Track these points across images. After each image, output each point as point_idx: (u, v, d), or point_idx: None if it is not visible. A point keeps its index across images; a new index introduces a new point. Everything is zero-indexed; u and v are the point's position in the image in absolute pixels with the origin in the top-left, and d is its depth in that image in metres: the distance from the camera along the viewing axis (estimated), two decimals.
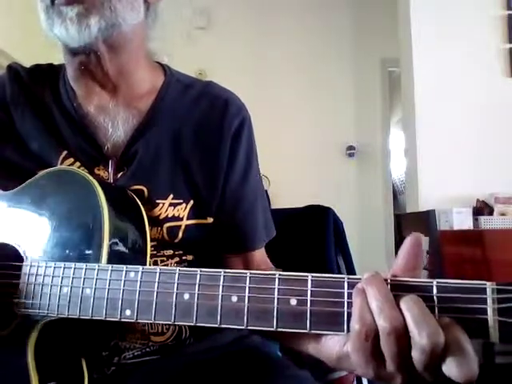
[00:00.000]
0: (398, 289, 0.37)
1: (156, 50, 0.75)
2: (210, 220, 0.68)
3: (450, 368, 0.34)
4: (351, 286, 0.38)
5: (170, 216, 0.65)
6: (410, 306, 0.35)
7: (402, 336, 0.35)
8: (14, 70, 0.71)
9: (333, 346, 0.41)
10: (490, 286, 0.35)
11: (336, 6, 3.73)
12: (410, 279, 0.37)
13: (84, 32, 0.59)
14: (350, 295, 0.38)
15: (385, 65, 3.75)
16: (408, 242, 0.39)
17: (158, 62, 0.76)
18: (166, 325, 0.64)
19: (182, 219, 0.65)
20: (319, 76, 3.69)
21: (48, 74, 0.72)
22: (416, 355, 0.35)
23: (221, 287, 0.42)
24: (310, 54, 3.70)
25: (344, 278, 0.39)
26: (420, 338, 0.34)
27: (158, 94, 0.70)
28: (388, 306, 0.36)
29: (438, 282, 0.36)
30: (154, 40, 0.74)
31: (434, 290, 0.36)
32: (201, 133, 0.69)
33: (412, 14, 2.62)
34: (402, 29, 2.78)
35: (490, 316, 0.34)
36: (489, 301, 0.34)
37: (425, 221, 2.02)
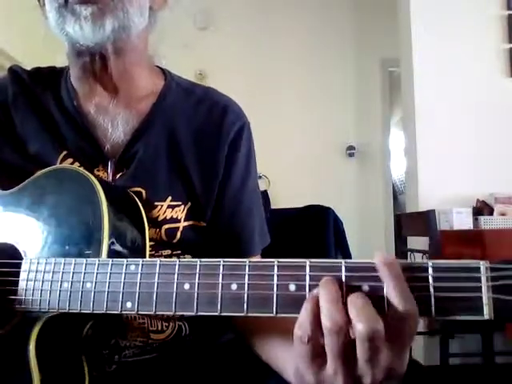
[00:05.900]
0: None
1: (154, 53, 0.76)
2: (204, 224, 0.68)
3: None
4: (349, 269, 0.39)
5: (168, 218, 0.65)
6: (352, 301, 0.37)
7: (345, 334, 0.37)
8: (15, 72, 0.72)
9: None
10: (483, 264, 0.36)
11: (336, 6, 3.73)
12: (405, 261, 0.38)
13: (98, 31, 0.60)
14: (347, 279, 0.39)
15: (385, 65, 3.75)
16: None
17: (158, 67, 0.76)
18: (165, 322, 0.64)
19: (179, 221, 0.66)
20: (319, 76, 3.69)
21: (49, 78, 0.72)
22: (358, 345, 0.36)
23: (220, 276, 0.42)
24: (310, 54, 3.71)
25: (341, 262, 0.39)
26: (358, 326, 0.36)
27: (157, 97, 0.71)
28: (334, 308, 0.37)
29: (433, 263, 0.38)
30: (152, 44, 0.75)
31: (430, 270, 0.37)
32: (199, 138, 0.69)
33: (412, 14, 2.62)
34: (402, 29, 2.78)
35: (485, 293, 0.36)
36: (483, 279, 0.36)
37: (425, 221, 2.02)
